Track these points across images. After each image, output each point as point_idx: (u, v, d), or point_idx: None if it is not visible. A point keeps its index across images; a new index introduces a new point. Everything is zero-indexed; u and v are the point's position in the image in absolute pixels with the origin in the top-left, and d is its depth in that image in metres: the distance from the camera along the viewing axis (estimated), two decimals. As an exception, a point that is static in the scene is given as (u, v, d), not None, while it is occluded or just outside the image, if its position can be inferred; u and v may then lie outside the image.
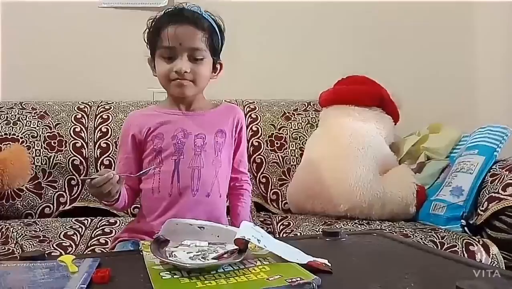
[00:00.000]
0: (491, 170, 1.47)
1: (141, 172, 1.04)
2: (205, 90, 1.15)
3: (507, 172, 1.42)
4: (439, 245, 1.30)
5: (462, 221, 1.42)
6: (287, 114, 1.85)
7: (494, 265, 1.25)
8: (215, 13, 1.13)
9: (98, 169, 1.67)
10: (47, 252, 1.08)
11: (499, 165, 1.48)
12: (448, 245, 1.30)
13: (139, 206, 1.16)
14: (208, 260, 0.73)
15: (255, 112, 1.83)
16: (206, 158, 1.08)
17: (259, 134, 1.79)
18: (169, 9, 1.10)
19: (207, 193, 1.07)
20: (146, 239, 0.98)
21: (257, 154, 1.75)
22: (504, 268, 1.25)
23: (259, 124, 1.81)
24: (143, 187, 1.09)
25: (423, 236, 1.33)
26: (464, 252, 1.27)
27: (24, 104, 1.76)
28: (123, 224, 1.44)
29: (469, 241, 1.32)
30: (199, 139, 1.09)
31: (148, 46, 1.12)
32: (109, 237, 1.34)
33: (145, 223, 1.07)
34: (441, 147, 1.74)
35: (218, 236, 0.82)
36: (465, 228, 1.41)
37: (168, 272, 0.67)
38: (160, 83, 1.11)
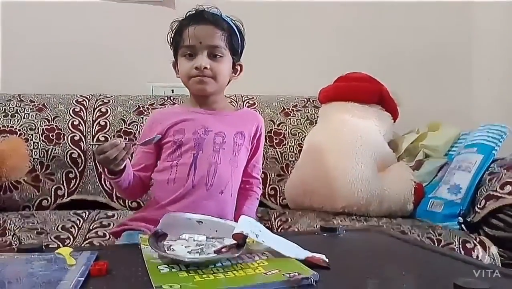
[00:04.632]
0: (489, 168, 1.48)
1: (146, 140, 1.06)
2: None
3: (505, 171, 1.42)
4: (436, 242, 1.30)
5: (459, 218, 1.43)
6: (287, 110, 1.85)
7: (491, 263, 1.26)
8: (236, 18, 1.20)
9: (96, 162, 1.66)
10: (44, 244, 1.07)
11: (497, 163, 1.48)
12: (445, 242, 1.30)
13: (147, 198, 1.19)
14: (206, 254, 0.73)
15: (254, 108, 1.83)
16: (224, 156, 1.12)
17: (258, 130, 1.78)
18: (191, 11, 1.17)
19: (220, 190, 1.10)
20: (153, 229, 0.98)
21: (255, 149, 1.75)
22: (500, 266, 1.25)
23: (258, 119, 1.80)
24: (158, 178, 1.12)
25: (420, 233, 1.34)
26: (461, 250, 1.28)
27: (22, 97, 1.75)
28: (121, 217, 1.44)
29: (466, 238, 1.32)
30: (219, 137, 1.13)
31: (172, 48, 1.18)
32: (107, 230, 1.34)
33: (152, 211, 1.08)
34: (439, 144, 1.74)
35: (216, 231, 0.82)
36: (462, 226, 1.42)
37: (166, 266, 0.67)
38: (182, 82, 1.17)
